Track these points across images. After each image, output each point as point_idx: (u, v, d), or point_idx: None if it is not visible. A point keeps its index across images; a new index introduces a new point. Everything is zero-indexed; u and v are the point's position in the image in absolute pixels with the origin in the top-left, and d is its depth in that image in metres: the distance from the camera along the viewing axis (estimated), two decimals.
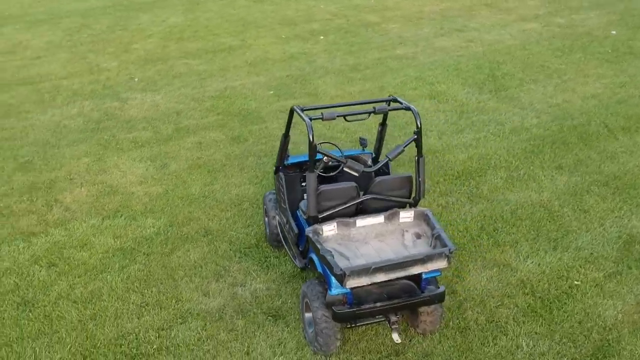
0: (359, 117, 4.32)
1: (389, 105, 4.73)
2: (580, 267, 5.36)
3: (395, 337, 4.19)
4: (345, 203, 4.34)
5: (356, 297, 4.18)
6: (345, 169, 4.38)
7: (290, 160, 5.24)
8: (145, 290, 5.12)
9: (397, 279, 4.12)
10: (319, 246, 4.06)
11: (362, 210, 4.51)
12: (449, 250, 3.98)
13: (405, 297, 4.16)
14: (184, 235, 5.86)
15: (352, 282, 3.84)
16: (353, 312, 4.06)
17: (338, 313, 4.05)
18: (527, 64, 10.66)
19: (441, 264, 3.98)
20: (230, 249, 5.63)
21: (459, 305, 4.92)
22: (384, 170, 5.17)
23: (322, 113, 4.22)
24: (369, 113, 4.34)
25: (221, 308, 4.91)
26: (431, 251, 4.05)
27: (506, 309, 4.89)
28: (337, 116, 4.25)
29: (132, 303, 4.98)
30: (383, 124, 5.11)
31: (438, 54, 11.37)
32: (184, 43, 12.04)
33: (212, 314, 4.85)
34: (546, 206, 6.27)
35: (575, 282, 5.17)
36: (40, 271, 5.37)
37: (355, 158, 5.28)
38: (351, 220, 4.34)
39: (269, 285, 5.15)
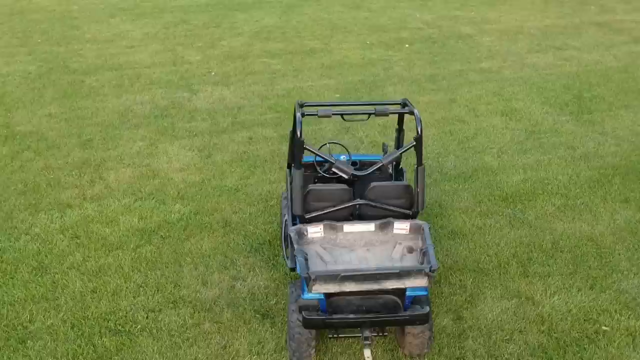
0: (357, 117, 4.10)
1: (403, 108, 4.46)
2: (616, 311, 4.73)
3: (367, 353, 3.91)
4: (335, 206, 4.13)
5: (334, 306, 3.94)
6: (333, 169, 4.17)
7: (303, 160, 5.08)
8: (149, 272, 5.18)
9: (377, 292, 3.84)
10: (295, 246, 3.89)
11: (358, 216, 4.27)
12: (430, 268, 3.64)
13: (384, 312, 3.86)
14: (204, 223, 5.88)
15: (318, 288, 3.62)
16: (322, 320, 3.83)
17: (307, 319, 3.84)
18: (622, 88, 9.72)
19: (420, 281, 3.65)
20: (243, 243, 5.57)
21: (461, 333, 4.51)
22: (399, 179, 4.88)
23: (317, 110, 4.04)
24: (369, 114, 4.10)
25: (214, 299, 4.86)
26: (408, 266, 3.73)
27: (513, 344, 4.42)
28: (333, 114, 4.05)
29: (134, 282, 5.06)
30: (400, 130, 4.82)
31: (526, 70, 10.68)
32: (268, 43, 12.23)
33: (204, 303, 4.81)
34: (596, 241, 5.63)
35: (604, 327, 4.57)
36: (63, 241, 5.61)
37: (370, 163, 5.03)
38: (339, 224, 4.12)
39: (268, 284, 5.02)
